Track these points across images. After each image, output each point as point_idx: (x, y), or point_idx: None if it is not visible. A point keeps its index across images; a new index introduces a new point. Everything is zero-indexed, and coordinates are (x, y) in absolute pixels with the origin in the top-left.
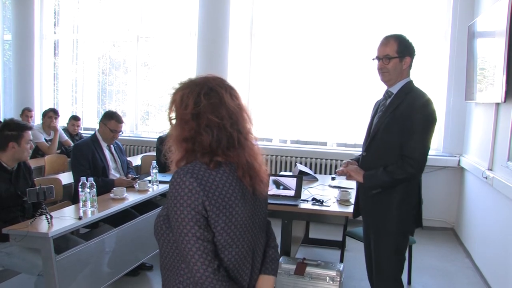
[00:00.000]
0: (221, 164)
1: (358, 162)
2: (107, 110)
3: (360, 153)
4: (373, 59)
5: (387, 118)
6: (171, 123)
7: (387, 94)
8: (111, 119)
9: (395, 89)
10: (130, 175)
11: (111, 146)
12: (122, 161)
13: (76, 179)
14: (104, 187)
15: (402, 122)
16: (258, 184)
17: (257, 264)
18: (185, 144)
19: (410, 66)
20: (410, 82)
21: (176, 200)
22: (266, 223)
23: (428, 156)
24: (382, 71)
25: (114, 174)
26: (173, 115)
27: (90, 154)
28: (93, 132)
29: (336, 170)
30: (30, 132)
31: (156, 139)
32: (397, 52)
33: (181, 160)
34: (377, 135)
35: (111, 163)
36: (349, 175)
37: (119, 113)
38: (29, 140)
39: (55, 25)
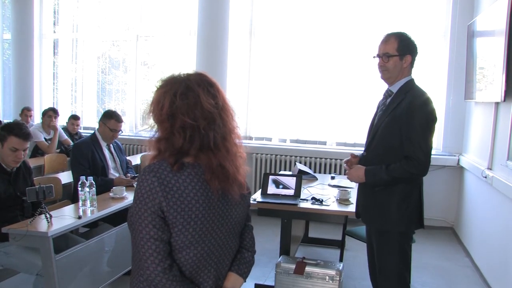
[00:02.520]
0: (186, 165)
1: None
2: (106, 109)
3: (361, 152)
4: (374, 57)
5: (387, 118)
6: (150, 121)
7: (388, 93)
8: (110, 119)
9: (395, 88)
10: (129, 174)
11: (111, 145)
12: (122, 161)
13: (76, 178)
14: (103, 186)
15: (401, 122)
16: (230, 188)
17: (223, 267)
18: (157, 144)
19: (411, 65)
20: (411, 81)
21: (137, 197)
22: (239, 227)
23: None
24: (382, 69)
25: (113, 173)
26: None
27: (90, 154)
28: (92, 132)
29: (345, 160)
30: (17, 139)
31: None
32: (397, 50)
33: (154, 159)
34: (377, 134)
35: (110, 163)
36: (350, 178)
37: (119, 112)
38: (14, 147)
39: (54, 24)
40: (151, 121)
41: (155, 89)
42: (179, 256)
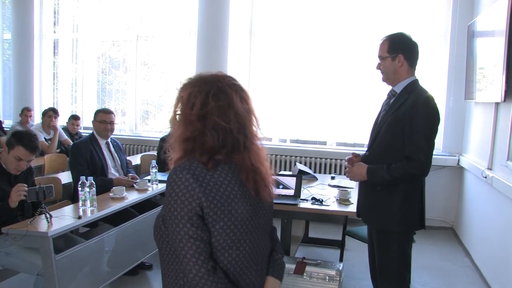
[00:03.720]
0: (220, 162)
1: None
2: None
3: (363, 152)
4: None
5: (389, 118)
6: (174, 120)
7: (391, 93)
8: (98, 113)
9: (398, 89)
10: (130, 174)
11: (110, 144)
12: (121, 160)
13: (75, 179)
14: (103, 186)
15: (404, 122)
16: (263, 189)
17: (262, 268)
18: (185, 145)
19: (410, 65)
20: (415, 81)
21: (171, 197)
22: (271, 228)
23: None
24: (380, 72)
25: (113, 173)
26: (178, 111)
27: (88, 153)
28: (91, 132)
29: (347, 158)
30: (24, 150)
31: (156, 138)
32: (388, 52)
33: (180, 160)
34: (379, 134)
35: (109, 162)
36: (351, 176)
37: (119, 112)
38: (20, 157)
39: (54, 24)
40: (172, 120)
41: (182, 87)
42: (221, 259)
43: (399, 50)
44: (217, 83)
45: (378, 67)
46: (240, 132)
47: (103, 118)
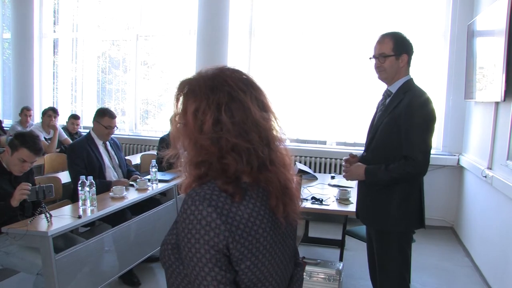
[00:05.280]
0: (247, 189)
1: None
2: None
3: (361, 152)
4: (370, 58)
5: (386, 118)
6: (176, 131)
7: (387, 93)
8: (104, 116)
9: (394, 88)
10: (134, 176)
11: (107, 143)
12: (119, 158)
13: (73, 178)
14: (101, 188)
15: (401, 122)
16: (292, 211)
17: None
18: (198, 170)
19: (408, 64)
20: (410, 81)
21: (190, 234)
22: (294, 250)
23: None
24: (378, 69)
25: (111, 172)
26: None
27: (85, 153)
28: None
29: (345, 158)
30: (28, 152)
31: (155, 138)
32: (392, 50)
33: (193, 184)
34: (376, 134)
35: (107, 161)
36: (349, 175)
37: (119, 111)
38: (24, 159)
39: (54, 23)
40: (174, 130)
41: (185, 95)
42: None
43: (403, 50)
44: (226, 88)
45: (378, 64)
46: (264, 147)
47: (110, 123)
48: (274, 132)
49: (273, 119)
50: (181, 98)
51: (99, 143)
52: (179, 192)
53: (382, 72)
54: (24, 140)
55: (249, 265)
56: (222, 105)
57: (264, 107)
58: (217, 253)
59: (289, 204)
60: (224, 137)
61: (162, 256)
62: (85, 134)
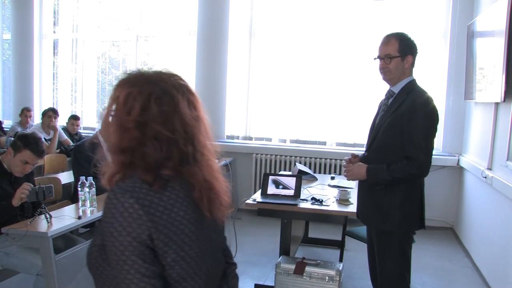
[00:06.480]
0: (169, 180)
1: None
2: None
3: (362, 153)
4: (375, 58)
5: (388, 118)
6: (107, 122)
7: (389, 93)
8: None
9: (397, 89)
10: None
11: None
12: None
13: (77, 179)
14: (102, 189)
15: (403, 122)
16: (218, 209)
17: None
18: (122, 157)
19: (412, 65)
20: (413, 81)
21: (113, 227)
22: (224, 245)
23: None
24: (383, 70)
25: None
26: (112, 112)
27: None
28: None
29: (346, 158)
30: (31, 154)
31: None
32: (398, 51)
33: (115, 175)
34: (378, 135)
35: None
36: (350, 175)
37: None
38: (26, 161)
39: (54, 24)
40: (105, 121)
41: (118, 84)
42: None
43: (409, 51)
44: (160, 84)
45: (384, 65)
46: (187, 143)
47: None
48: (202, 137)
49: (203, 128)
50: (116, 88)
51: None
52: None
53: (387, 73)
54: (27, 141)
55: (175, 257)
56: (153, 94)
57: (196, 111)
58: (140, 245)
59: (214, 201)
60: (149, 124)
61: (89, 260)
62: (86, 134)
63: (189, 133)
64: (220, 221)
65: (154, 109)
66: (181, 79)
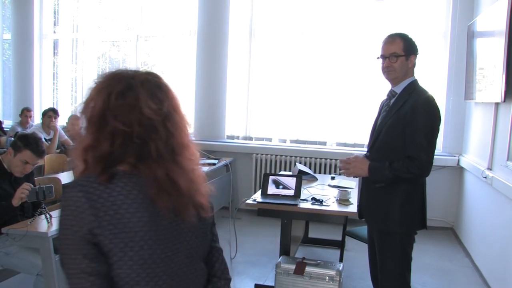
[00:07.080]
0: (120, 175)
1: None
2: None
3: (363, 153)
4: (378, 57)
5: (390, 119)
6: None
7: (391, 93)
8: None
9: (399, 89)
10: None
11: None
12: None
13: None
14: None
15: (405, 122)
16: (184, 207)
17: None
18: (85, 154)
19: (414, 65)
20: (415, 81)
21: (61, 221)
22: (202, 252)
23: None
24: (388, 69)
25: None
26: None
27: None
28: None
29: (340, 161)
30: (31, 154)
31: None
32: (403, 50)
33: (83, 171)
34: (380, 135)
35: None
36: (352, 171)
37: None
38: (26, 161)
39: (54, 24)
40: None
41: (93, 84)
42: None
43: (412, 51)
44: (129, 80)
45: (389, 64)
46: (147, 137)
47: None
48: (180, 139)
49: (179, 127)
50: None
51: None
52: None
53: (392, 72)
54: (28, 142)
55: (122, 256)
56: (116, 90)
57: (161, 105)
58: (81, 239)
59: (180, 200)
60: (106, 118)
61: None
62: None
63: (148, 126)
64: (190, 222)
65: (113, 103)
66: (155, 76)
